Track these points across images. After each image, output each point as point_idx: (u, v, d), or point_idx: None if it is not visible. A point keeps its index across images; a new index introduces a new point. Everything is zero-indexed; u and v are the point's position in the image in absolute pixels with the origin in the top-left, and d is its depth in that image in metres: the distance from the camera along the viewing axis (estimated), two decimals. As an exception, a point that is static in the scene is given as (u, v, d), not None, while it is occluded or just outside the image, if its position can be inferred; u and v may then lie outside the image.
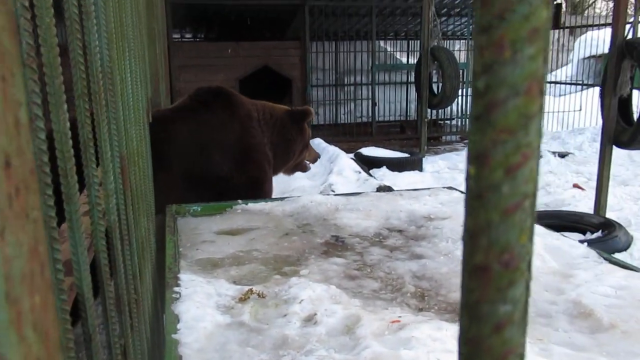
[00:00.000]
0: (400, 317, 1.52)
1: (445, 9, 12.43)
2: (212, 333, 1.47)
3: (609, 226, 4.40)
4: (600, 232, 4.42)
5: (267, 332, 1.48)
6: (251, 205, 2.80)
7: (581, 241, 2.56)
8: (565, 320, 1.53)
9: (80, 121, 0.78)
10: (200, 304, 1.60)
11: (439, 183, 6.38)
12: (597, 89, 10.21)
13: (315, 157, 4.22)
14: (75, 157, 0.71)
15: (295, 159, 3.75)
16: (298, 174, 4.32)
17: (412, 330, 1.39)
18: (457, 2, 12.33)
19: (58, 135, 0.65)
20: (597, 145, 9.09)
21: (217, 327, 1.50)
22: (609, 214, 5.01)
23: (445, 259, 2.06)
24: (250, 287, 1.76)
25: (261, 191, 3.29)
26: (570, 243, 2.09)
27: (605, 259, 1.93)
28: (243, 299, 1.69)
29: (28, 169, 0.37)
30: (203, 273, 1.93)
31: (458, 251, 2.11)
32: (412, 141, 10.85)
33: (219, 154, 3.17)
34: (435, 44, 8.34)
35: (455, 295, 1.77)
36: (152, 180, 2.37)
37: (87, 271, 0.69)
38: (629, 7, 4.56)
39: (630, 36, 4.44)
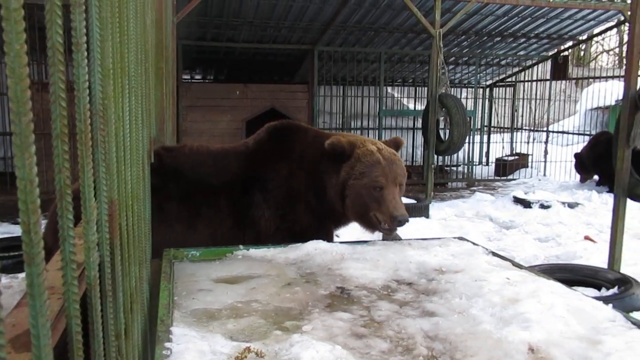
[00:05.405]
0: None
1: (452, 58, 12.58)
2: (203, 399, 1.32)
3: (626, 282, 4.21)
4: (616, 288, 4.23)
5: (264, 400, 1.33)
6: (253, 252, 2.67)
7: (597, 298, 2.39)
8: (596, 396, 1.37)
9: (58, 165, 0.68)
10: (192, 364, 1.45)
11: (447, 231, 6.21)
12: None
13: None
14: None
15: None
16: None
17: (427, 404, 1.24)
18: (465, 51, 12.50)
19: (22, 184, 0.54)
20: (606, 196, 8.98)
21: (209, 392, 1.35)
22: (624, 269, 4.82)
23: (460, 317, 1.91)
24: (248, 344, 1.61)
25: None
26: (594, 304, 1.94)
27: (633, 323, 1.78)
28: (239, 359, 1.55)
29: None
30: (197, 326, 1.79)
31: (473, 309, 1.96)
32: (417, 187, 10.75)
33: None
34: (443, 91, 8.35)
35: (472, 360, 1.62)
36: (148, 223, 2.26)
37: (48, 347, 0.56)
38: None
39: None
